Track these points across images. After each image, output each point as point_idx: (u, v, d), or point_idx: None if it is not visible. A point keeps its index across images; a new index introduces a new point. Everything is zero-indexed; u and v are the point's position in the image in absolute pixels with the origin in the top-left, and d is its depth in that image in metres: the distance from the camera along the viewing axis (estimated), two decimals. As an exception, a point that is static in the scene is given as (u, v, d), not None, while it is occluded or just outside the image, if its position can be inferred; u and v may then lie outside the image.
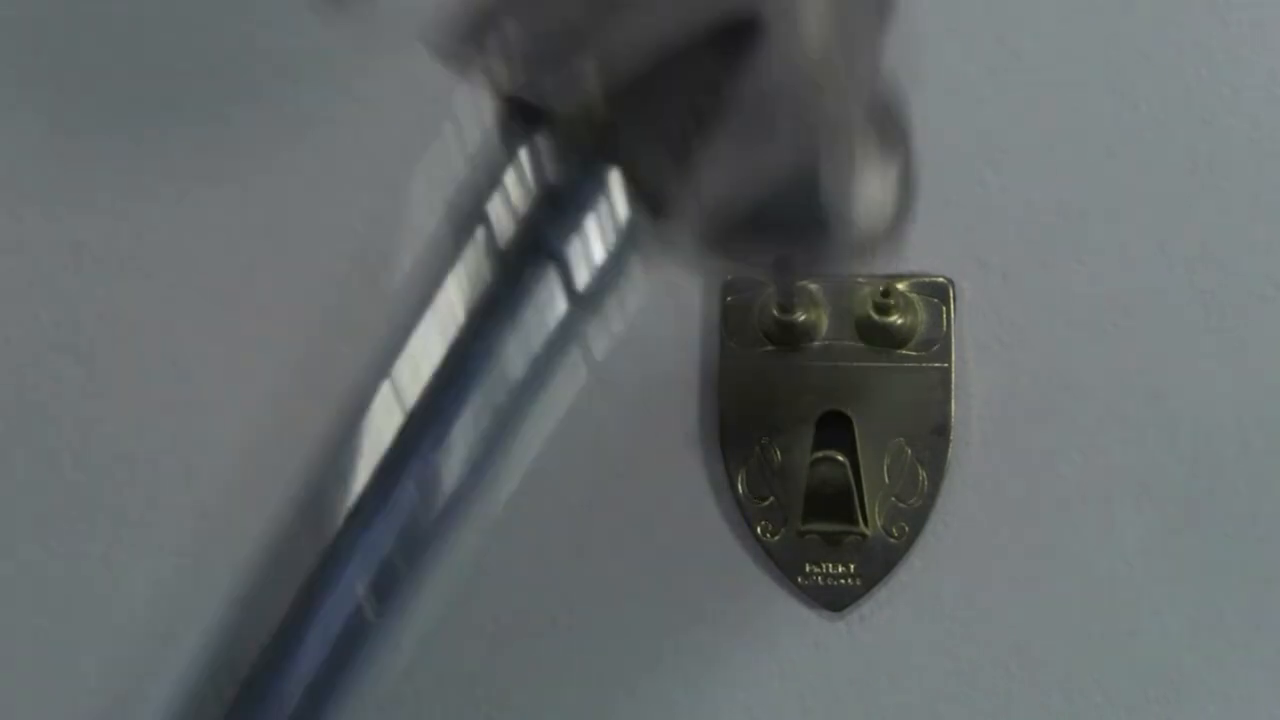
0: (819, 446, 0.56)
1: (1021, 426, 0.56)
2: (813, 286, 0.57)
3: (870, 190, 0.39)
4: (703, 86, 0.36)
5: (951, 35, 0.59)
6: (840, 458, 0.56)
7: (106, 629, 0.57)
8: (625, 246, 0.38)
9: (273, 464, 0.38)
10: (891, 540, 0.56)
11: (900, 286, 0.57)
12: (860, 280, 0.57)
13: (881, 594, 0.56)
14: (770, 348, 0.57)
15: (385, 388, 0.37)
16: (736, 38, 0.35)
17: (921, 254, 0.58)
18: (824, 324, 0.57)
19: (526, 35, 0.36)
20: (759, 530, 0.57)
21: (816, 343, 0.57)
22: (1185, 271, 0.57)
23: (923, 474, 0.56)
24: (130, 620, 0.56)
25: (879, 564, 0.56)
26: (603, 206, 0.38)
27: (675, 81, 0.36)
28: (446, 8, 0.36)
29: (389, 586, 0.37)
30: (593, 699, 0.56)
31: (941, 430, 0.56)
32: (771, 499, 0.57)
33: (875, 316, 0.57)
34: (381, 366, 0.37)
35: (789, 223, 0.39)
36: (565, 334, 0.38)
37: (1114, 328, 0.57)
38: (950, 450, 0.56)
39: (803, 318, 0.57)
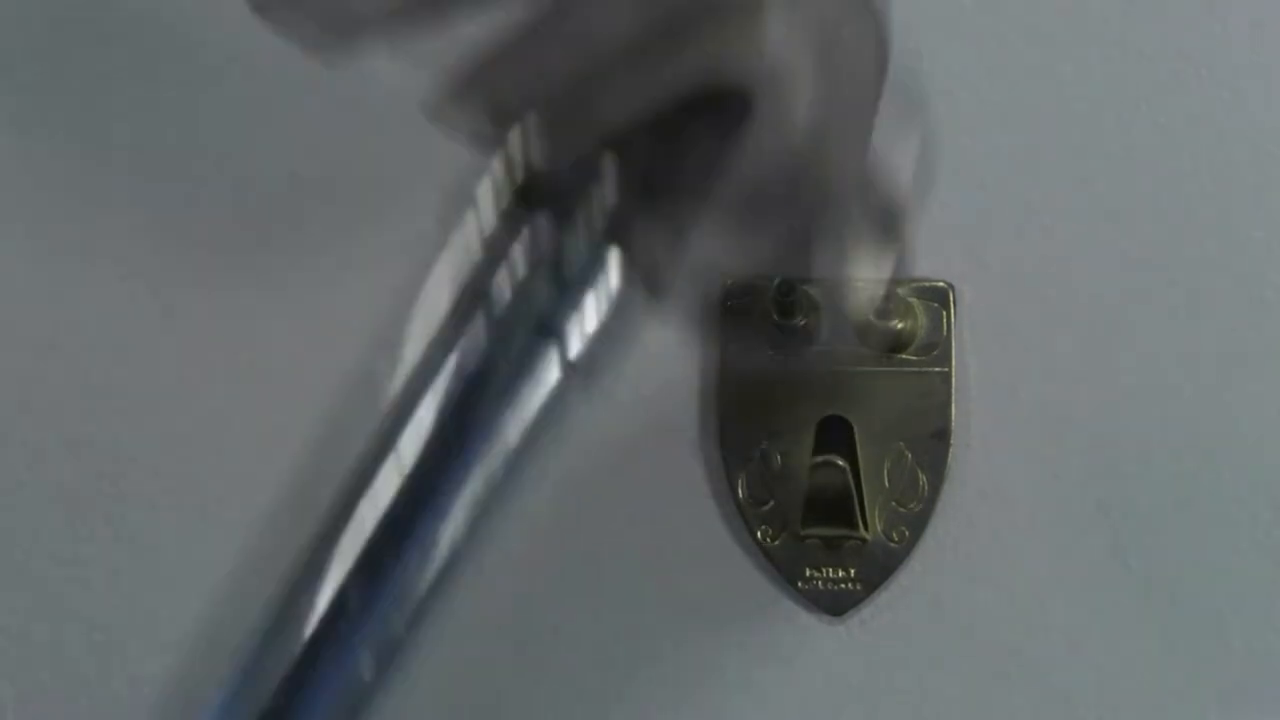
0: (819, 451, 0.56)
1: (1022, 430, 0.56)
2: (813, 291, 0.57)
3: (862, 272, 0.40)
4: (698, 163, 0.37)
5: (951, 37, 0.58)
6: (840, 462, 0.56)
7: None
8: (619, 319, 0.39)
9: (282, 541, 0.38)
10: (892, 544, 0.56)
11: (900, 291, 0.57)
12: (860, 284, 0.57)
13: (882, 598, 0.56)
14: (770, 352, 0.57)
15: (390, 462, 0.38)
16: (728, 113, 0.36)
17: (921, 258, 0.57)
18: (824, 328, 0.57)
19: (523, 97, 0.36)
20: (759, 534, 0.57)
21: (817, 347, 0.57)
22: (1185, 274, 0.57)
23: (923, 478, 0.56)
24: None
25: (879, 568, 0.56)
26: (602, 284, 0.39)
27: (671, 158, 0.37)
28: (440, 75, 0.36)
29: (389, 653, 0.38)
30: (593, 705, 0.57)
31: (941, 434, 0.56)
32: (772, 503, 0.57)
33: (875, 321, 0.56)
34: (387, 442, 0.38)
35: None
36: (558, 402, 0.39)
37: (1114, 331, 0.57)
38: (950, 454, 0.56)
39: (803, 322, 0.57)
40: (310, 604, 0.37)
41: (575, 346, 0.39)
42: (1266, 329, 0.56)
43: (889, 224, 0.40)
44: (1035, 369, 0.57)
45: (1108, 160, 0.58)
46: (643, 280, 0.39)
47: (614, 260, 0.39)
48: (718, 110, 0.36)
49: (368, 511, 0.38)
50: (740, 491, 0.57)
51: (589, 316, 0.39)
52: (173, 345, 0.60)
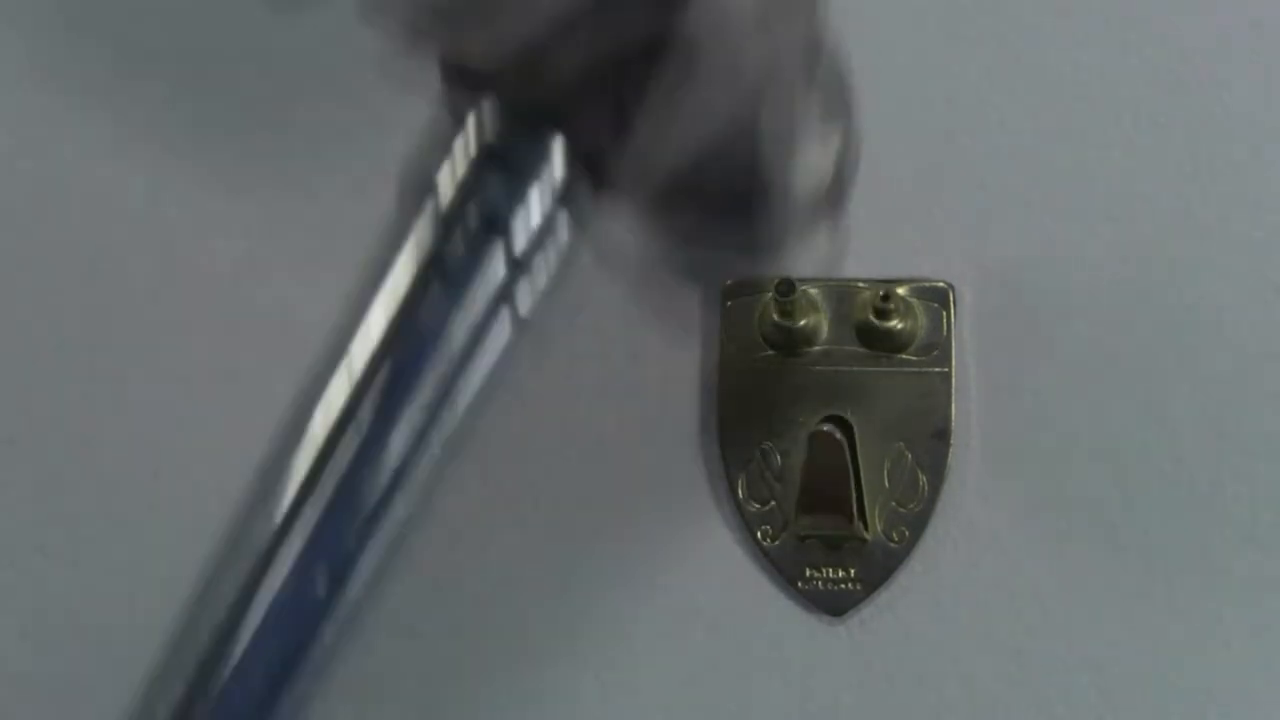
0: (819, 452, 0.56)
1: (1021, 430, 0.56)
2: (813, 291, 0.57)
3: (809, 157, 0.39)
4: (638, 38, 0.36)
5: (951, 38, 0.59)
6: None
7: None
8: (560, 208, 0.39)
9: (236, 455, 0.38)
10: (892, 545, 0.56)
11: (900, 291, 0.57)
12: (860, 285, 0.57)
13: (882, 598, 0.56)
14: (770, 352, 0.57)
15: (342, 368, 0.37)
16: (673, 63, 0.35)
17: (921, 258, 0.58)
18: (824, 329, 0.57)
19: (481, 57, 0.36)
20: (759, 535, 0.57)
21: (817, 347, 0.57)
22: (1185, 273, 0.57)
23: (923, 478, 0.56)
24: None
25: (879, 568, 0.56)
26: (545, 172, 0.38)
27: (611, 35, 0.36)
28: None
29: (342, 567, 0.38)
30: (593, 704, 0.57)
31: (942, 435, 0.56)
32: (772, 503, 0.57)
33: (875, 321, 0.57)
34: (339, 346, 0.38)
35: (727, 188, 0.39)
36: (500, 297, 0.39)
37: (1114, 331, 0.57)
38: (950, 454, 0.56)
39: (803, 323, 0.57)
40: (264, 519, 0.37)
41: (521, 242, 0.38)
42: (1267, 329, 0.56)
43: (838, 112, 0.39)
44: (1035, 369, 0.57)
45: (1108, 160, 0.58)
46: (586, 169, 0.38)
47: (558, 150, 0.38)
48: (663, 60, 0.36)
49: (320, 420, 0.37)
50: (740, 491, 0.57)
51: (534, 208, 0.38)
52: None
